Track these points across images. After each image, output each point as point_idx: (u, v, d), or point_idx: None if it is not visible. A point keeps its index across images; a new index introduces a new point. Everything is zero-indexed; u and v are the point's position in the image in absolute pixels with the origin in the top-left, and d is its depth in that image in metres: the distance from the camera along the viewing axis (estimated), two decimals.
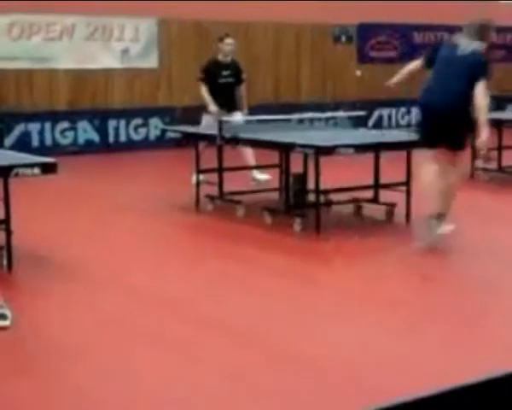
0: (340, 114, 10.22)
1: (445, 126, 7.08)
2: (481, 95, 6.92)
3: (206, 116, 10.34)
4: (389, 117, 16.82)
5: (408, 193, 8.29)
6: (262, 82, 13.95)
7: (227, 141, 8.72)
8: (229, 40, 10.49)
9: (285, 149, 8.35)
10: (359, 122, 10.54)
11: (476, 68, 7.02)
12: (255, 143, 8.91)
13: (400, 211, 8.32)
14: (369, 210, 8.70)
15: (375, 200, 8.74)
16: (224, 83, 10.38)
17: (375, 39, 16.76)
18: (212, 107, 10.20)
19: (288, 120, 10.75)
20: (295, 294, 5.96)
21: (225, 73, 10.42)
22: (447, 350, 4.79)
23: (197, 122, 10.55)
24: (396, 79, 7.73)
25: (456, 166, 7.24)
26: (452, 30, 17.37)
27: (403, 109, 16.93)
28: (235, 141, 8.78)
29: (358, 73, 15.70)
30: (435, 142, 7.16)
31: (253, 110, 11.03)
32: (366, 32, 16.55)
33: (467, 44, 7.21)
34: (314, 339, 4.96)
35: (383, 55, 16.93)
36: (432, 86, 7.24)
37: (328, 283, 6.29)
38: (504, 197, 10.05)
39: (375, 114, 16.44)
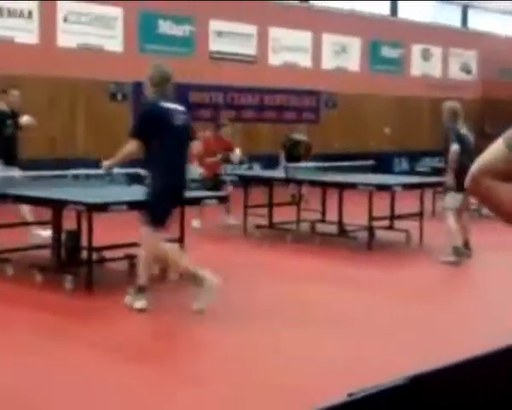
0: (116, 170, 10.16)
1: None
2: None
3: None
4: None
5: (184, 249, 8.37)
6: (35, 136, 13.59)
7: None
8: (14, 92, 10.42)
9: (57, 205, 8.19)
10: (135, 179, 10.56)
11: None
12: (26, 200, 8.66)
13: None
14: None
15: None
16: (9, 133, 10.23)
17: None
18: None
19: (64, 176, 10.53)
20: (60, 353, 5.79)
21: (9, 122, 10.22)
22: None
23: None
24: None
25: None
26: (229, 90, 17.98)
27: None
28: (5, 197, 8.48)
29: None
30: None
31: (26, 165, 10.72)
32: (142, 90, 16.61)
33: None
34: (71, 401, 4.85)
35: None
36: None
37: (96, 341, 6.16)
38: (276, 252, 10.37)
39: None
